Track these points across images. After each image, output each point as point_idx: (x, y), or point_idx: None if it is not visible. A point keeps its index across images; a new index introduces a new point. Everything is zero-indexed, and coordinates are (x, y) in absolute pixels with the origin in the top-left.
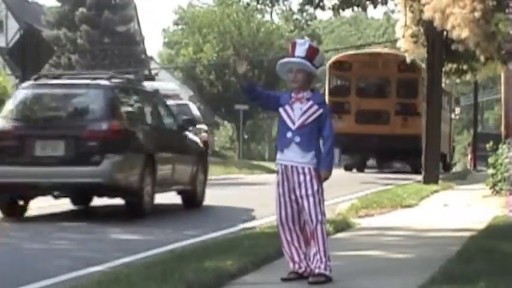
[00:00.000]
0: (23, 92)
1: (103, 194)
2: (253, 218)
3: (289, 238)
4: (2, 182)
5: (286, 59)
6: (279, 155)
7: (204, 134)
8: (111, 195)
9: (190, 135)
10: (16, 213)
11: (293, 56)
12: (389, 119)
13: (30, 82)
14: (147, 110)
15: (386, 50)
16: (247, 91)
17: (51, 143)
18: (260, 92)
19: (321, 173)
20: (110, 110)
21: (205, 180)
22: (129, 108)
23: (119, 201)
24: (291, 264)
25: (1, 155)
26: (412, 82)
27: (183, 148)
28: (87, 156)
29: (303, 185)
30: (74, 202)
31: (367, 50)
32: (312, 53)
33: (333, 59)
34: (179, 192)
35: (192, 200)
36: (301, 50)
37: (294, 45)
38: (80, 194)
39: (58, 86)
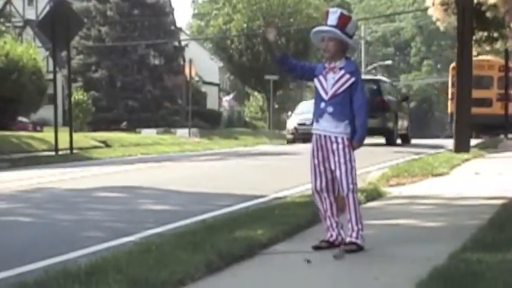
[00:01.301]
0: None
1: (380, 133)
2: (284, 188)
3: (323, 206)
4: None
5: (317, 28)
6: (314, 125)
7: None
8: (382, 133)
9: (405, 103)
10: None
11: (325, 25)
12: (492, 103)
13: None
14: (389, 89)
15: (491, 57)
16: (280, 62)
17: None
18: (294, 63)
19: (354, 144)
20: (380, 91)
21: (409, 128)
22: (386, 89)
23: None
24: (325, 232)
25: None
26: (508, 79)
27: (403, 110)
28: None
29: (336, 153)
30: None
31: (478, 57)
32: (343, 21)
33: (454, 63)
34: (400, 135)
35: (406, 139)
36: (332, 18)
37: (326, 14)
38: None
39: None
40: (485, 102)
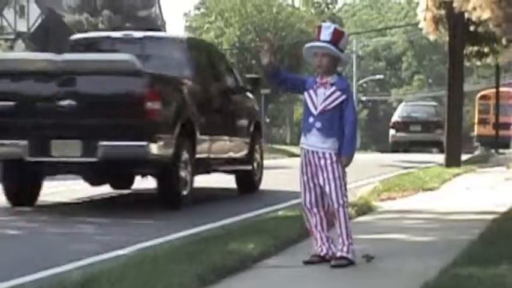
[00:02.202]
0: (403, 107)
1: (434, 145)
2: (276, 202)
3: (313, 221)
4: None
5: (310, 43)
6: (302, 139)
7: None
8: (436, 145)
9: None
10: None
11: (318, 40)
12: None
13: (404, 103)
14: (441, 111)
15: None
16: (271, 77)
17: (417, 126)
18: (285, 76)
19: (342, 159)
20: (435, 113)
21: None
22: (439, 112)
23: None
24: (315, 247)
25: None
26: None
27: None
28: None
29: (324, 169)
30: None
31: (501, 89)
32: (337, 37)
33: (481, 93)
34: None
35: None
36: (326, 33)
37: (319, 29)
38: None
39: (420, 105)
40: (507, 126)
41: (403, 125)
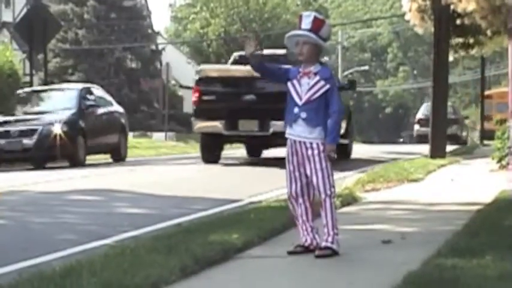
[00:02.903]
0: (426, 106)
1: (453, 138)
2: (259, 192)
3: (298, 211)
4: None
5: (291, 32)
6: (288, 129)
7: None
8: (454, 138)
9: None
10: None
11: (300, 29)
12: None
13: (427, 103)
14: (458, 110)
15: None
16: (255, 68)
17: None
18: (268, 68)
19: (326, 148)
20: (454, 111)
21: (467, 134)
22: (456, 111)
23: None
24: (300, 237)
25: None
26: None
27: (465, 124)
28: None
29: (311, 159)
30: None
31: (501, 89)
32: (317, 25)
33: (485, 93)
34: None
35: (465, 142)
36: (306, 22)
37: (300, 18)
38: None
39: None
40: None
41: (426, 122)
